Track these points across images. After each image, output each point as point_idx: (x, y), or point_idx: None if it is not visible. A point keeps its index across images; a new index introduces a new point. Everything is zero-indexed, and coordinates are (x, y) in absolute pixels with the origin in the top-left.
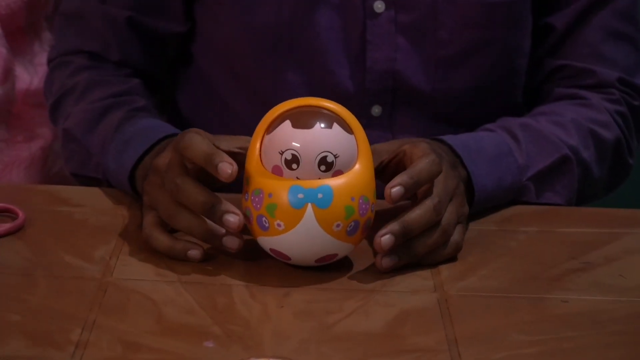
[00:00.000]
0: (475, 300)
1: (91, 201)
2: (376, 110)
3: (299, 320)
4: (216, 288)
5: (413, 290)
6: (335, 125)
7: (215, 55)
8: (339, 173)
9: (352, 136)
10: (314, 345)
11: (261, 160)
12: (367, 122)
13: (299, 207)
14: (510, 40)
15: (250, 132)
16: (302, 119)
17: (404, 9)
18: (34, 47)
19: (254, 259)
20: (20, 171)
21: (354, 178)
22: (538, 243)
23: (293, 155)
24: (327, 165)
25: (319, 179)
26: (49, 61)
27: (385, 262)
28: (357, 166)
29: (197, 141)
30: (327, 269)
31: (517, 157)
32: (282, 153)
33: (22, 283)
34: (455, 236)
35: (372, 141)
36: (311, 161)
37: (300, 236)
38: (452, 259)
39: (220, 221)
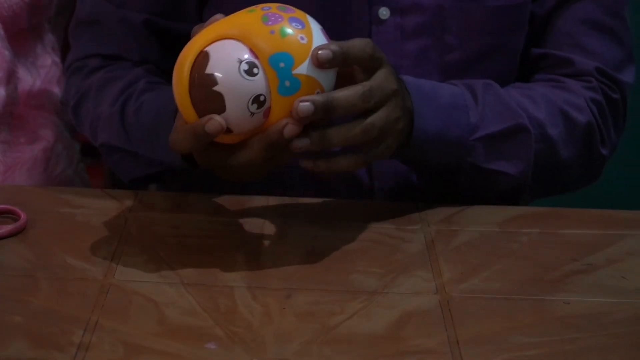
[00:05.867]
0: (477, 302)
1: (93, 203)
2: None
3: (301, 322)
4: (218, 290)
5: (415, 292)
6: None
7: None
8: None
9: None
10: (316, 347)
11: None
12: None
13: None
14: (515, 43)
15: None
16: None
17: (409, 15)
18: (36, 49)
19: (256, 261)
20: (22, 173)
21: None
22: (540, 245)
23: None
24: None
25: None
26: (66, 68)
27: (296, 142)
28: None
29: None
30: (329, 270)
31: (470, 115)
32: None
33: (24, 285)
34: (381, 147)
35: None
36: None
37: None
38: (453, 260)
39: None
